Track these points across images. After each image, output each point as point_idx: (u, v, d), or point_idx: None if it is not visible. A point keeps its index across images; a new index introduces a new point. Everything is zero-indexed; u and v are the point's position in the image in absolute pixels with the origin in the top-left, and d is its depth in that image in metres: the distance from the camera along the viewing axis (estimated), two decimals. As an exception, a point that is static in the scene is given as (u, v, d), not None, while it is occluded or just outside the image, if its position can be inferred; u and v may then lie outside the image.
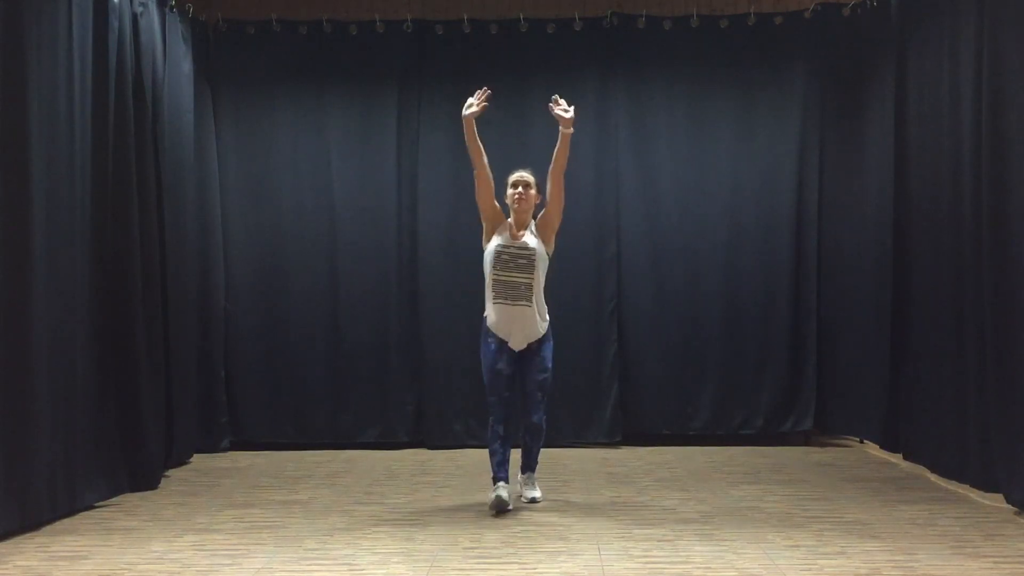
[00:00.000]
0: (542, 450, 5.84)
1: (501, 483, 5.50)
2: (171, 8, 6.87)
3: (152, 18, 6.52)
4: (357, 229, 7.69)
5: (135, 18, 6.25)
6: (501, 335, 5.52)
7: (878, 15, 7.11)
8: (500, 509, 5.40)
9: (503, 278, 5.47)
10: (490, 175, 5.59)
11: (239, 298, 7.71)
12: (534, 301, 5.47)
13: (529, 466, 5.79)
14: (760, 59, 7.66)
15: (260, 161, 7.74)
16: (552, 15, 7.73)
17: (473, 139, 5.54)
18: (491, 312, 5.53)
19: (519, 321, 5.49)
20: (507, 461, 5.57)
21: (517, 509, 5.50)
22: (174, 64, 6.90)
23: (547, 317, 5.62)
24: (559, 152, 5.53)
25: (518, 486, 5.77)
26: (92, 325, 5.75)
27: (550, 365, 5.62)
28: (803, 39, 7.63)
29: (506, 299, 5.46)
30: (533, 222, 5.64)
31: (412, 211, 7.70)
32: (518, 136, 7.66)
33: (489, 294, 5.53)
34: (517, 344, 5.53)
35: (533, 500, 5.69)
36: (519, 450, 5.79)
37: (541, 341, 5.58)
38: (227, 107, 7.74)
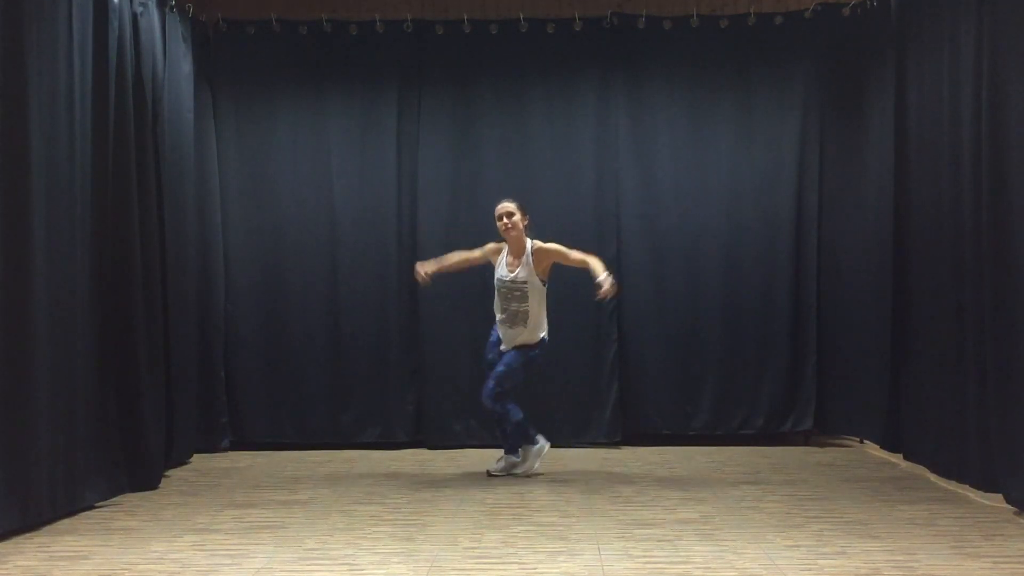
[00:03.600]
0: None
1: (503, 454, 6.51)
2: (171, 8, 6.87)
3: (152, 18, 6.52)
4: (357, 229, 7.69)
5: (135, 18, 6.25)
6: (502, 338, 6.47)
7: (878, 15, 7.11)
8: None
9: (502, 306, 6.36)
10: (480, 257, 6.55)
11: (239, 298, 7.70)
12: (529, 324, 6.30)
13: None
14: (760, 59, 7.65)
15: (260, 161, 7.74)
16: (552, 15, 7.72)
17: (454, 268, 6.61)
18: (497, 324, 6.48)
19: (512, 338, 6.39)
20: (505, 435, 6.43)
21: (517, 509, 5.51)
22: (174, 64, 6.90)
23: (543, 331, 6.39)
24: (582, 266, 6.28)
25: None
26: (92, 325, 5.74)
27: (515, 365, 6.31)
28: (803, 39, 7.62)
29: (503, 323, 6.39)
30: (529, 243, 6.30)
31: (412, 211, 7.70)
32: (517, 136, 7.68)
33: (496, 314, 6.45)
34: (506, 346, 6.43)
35: (488, 472, 6.43)
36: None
37: (522, 345, 6.34)
38: (227, 107, 7.73)
